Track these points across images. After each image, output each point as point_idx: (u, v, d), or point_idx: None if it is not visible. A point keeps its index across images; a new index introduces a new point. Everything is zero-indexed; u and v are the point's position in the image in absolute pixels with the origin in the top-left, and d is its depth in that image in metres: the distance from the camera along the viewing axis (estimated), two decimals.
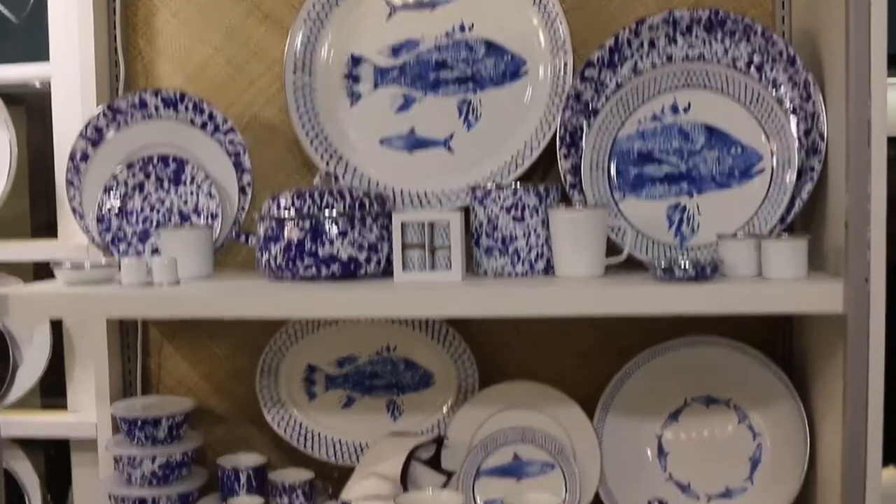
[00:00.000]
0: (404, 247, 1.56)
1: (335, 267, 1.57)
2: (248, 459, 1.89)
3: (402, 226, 1.56)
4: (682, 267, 1.44)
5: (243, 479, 1.84)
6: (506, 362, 1.89)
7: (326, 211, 1.58)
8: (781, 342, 1.80)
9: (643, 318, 1.74)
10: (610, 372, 1.78)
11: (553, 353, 1.88)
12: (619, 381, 1.77)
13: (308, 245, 1.57)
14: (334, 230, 1.57)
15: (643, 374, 1.77)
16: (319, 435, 1.89)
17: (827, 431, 1.55)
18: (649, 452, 1.79)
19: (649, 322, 1.80)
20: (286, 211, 1.59)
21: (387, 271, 1.61)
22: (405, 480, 1.75)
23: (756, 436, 1.74)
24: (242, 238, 1.70)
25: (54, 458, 2.25)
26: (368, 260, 1.59)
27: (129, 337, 2.00)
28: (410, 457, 1.75)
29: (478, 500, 1.76)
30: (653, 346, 1.75)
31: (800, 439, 1.63)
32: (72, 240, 2.00)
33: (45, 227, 2.14)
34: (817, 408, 1.62)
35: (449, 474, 1.78)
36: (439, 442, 1.79)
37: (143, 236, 1.80)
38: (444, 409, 1.87)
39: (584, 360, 1.87)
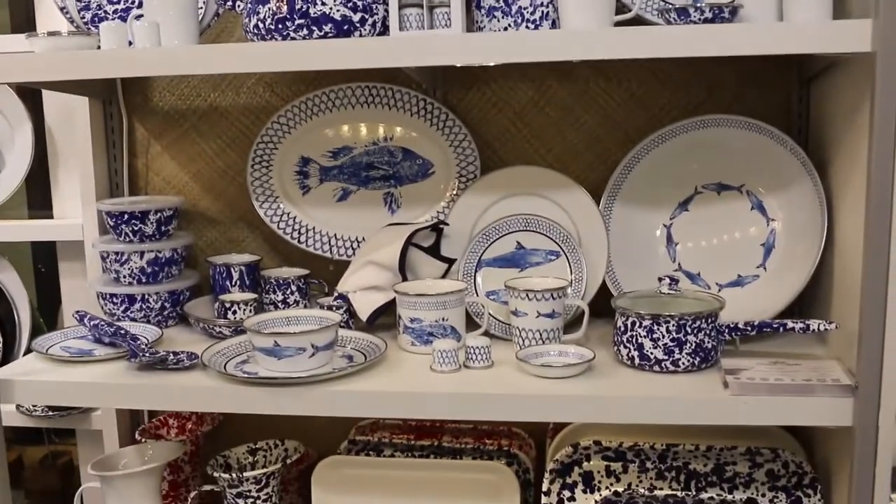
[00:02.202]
0: (401, 5, 1.46)
1: (328, 27, 1.47)
2: (240, 258, 1.83)
3: None
4: (699, 7, 1.35)
5: (235, 276, 1.78)
6: (508, 153, 1.81)
7: None
8: (798, 121, 1.72)
9: (650, 99, 1.68)
10: (617, 161, 1.70)
11: (557, 141, 1.80)
12: (627, 167, 1.69)
13: (299, 4, 1.47)
14: None
15: (652, 159, 1.68)
16: (314, 229, 1.81)
17: (845, 211, 1.46)
18: (658, 242, 1.72)
19: (657, 106, 1.71)
20: None
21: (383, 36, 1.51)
22: (404, 269, 1.68)
23: (770, 221, 1.66)
24: (229, 4, 1.59)
25: (44, 275, 2.19)
26: (363, 22, 1.49)
27: (114, 135, 1.91)
28: (409, 244, 1.68)
29: (480, 291, 1.70)
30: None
31: (816, 220, 1.56)
32: None
33: (25, 23, 2.04)
34: (835, 186, 1.53)
35: (450, 262, 1.71)
36: (439, 230, 1.72)
37: (125, 15, 1.70)
38: (444, 201, 1.79)
39: (590, 149, 1.79)
